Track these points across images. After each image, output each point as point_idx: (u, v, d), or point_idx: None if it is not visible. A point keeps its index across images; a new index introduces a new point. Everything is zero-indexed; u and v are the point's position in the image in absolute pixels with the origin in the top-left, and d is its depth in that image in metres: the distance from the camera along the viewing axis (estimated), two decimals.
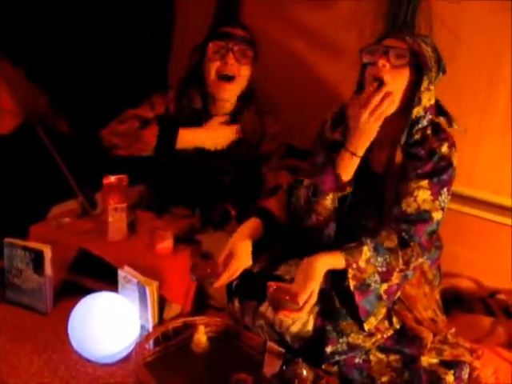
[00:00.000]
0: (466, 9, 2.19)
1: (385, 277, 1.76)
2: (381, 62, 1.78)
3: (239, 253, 1.87)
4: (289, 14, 2.50)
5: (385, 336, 1.82)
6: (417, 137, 1.85)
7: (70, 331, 1.88)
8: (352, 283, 1.74)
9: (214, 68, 2.21)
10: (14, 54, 2.22)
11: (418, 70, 1.80)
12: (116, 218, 2.08)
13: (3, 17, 2.32)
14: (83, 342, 1.86)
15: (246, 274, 1.92)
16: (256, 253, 1.90)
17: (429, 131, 1.85)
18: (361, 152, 1.85)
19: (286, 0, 2.49)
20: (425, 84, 1.79)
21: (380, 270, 1.75)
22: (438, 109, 1.90)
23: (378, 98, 1.78)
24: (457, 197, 2.26)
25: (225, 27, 2.24)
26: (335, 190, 1.87)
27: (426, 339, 1.81)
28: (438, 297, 1.96)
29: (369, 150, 1.87)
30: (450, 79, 2.10)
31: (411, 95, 1.82)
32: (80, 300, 1.92)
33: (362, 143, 1.84)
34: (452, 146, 1.84)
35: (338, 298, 1.83)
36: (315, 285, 1.71)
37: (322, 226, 1.89)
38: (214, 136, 2.26)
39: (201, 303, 2.14)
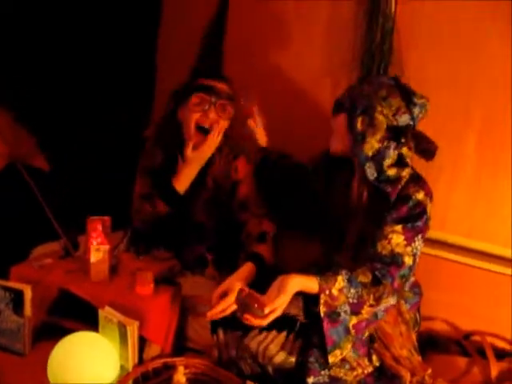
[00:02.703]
0: (435, 61, 2.32)
1: (355, 309, 1.81)
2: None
3: (234, 290, 1.89)
4: (268, 61, 2.62)
5: (365, 372, 1.86)
6: (390, 173, 1.92)
7: (49, 371, 1.86)
8: (323, 309, 1.78)
9: (193, 119, 2.23)
10: (3, 99, 2.27)
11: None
12: (98, 259, 2.09)
13: None
14: (63, 382, 1.84)
15: None
16: None
17: (404, 173, 1.92)
18: None
19: (266, 50, 2.62)
20: (358, 124, 1.88)
21: (351, 301, 1.80)
22: (417, 141, 1.98)
23: None
24: (429, 241, 2.33)
25: (209, 80, 2.25)
26: None
27: (404, 378, 1.84)
28: (414, 338, 1.99)
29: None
30: (424, 130, 2.22)
31: None
32: (59, 340, 1.91)
33: None
34: (428, 194, 1.92)
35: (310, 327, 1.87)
36: (284, 299, 1.76)
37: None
38: (201, 156, 2.24)
39: (180, 345, 2.14)
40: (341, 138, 1.97)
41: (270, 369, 1.86)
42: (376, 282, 1.83)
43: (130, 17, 2.79)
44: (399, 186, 1.91)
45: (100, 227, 2.11)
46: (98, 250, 2.10)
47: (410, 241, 1.87)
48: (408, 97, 1.91)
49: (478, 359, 2.14)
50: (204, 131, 2.23)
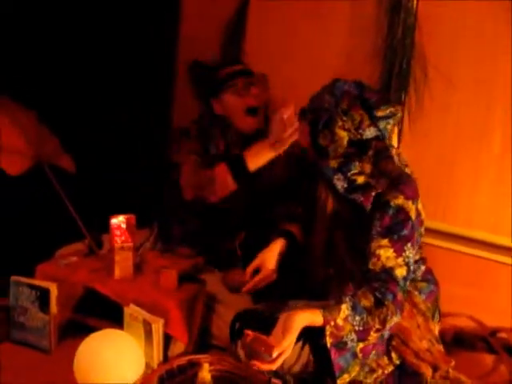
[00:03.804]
0: (458, 56, 2.31)
1: (361, 336, 1.76)
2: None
3: (267, 265, 2.02)
4: (289, 59, 2.62)
5: (385, 372, 1.84)
6: (360, 181, 1.84)
7: (75, 368, 1.88)
8: (329, 340, 1.73)
9: (244, 102, 2.29)
10: (26, 99, 2.30)
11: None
12: (122, 257, 2.11)
13: (16, 64, 2.43)
14: (89, 380, 1.85)
15: (249, 314, 1.96)
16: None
17: (374, 180, 1.84)
18: None
19: (287, 48, 2.63)
20: (320, 140, 1.82)
21: (357, 328, 1.74)
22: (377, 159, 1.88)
23: None
24: (455, 237, 2.34)
25: (234, 66, 2.34)
26: None
27: (425, 374, 1.82)
28: (434, 328, 1.95)
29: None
30: (446, 124, 2.21)
31: None
32: (85, 338, 1.92)
33: None
34: (409, 198, 1.83)
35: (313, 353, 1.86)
36: (291, 339, 1.70)
37: None
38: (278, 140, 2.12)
39: (204, 342, 2.15)
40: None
41: (289, 378, 1.86)
42: (378, 303, 1.77)
43: (149, 19, 2.82)
44: (372, 193, 1.84)
45: (124, 225, 2.13)
46: (122, 249, 2.11)
47: (399, 252, 1.80)
48: (369, 111, 1.83)
49: (505, 357, 2.12)
50: (253, 112, 2.29)
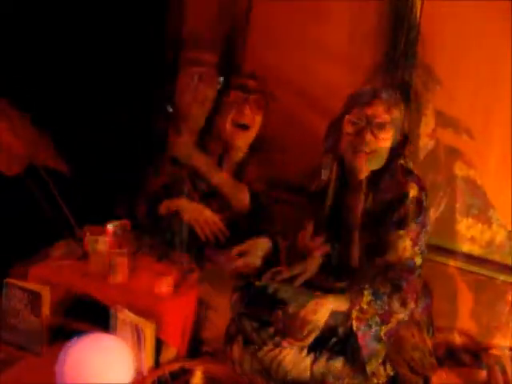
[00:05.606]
0: (460, 69, 2.31)
1: (385, 319, 1.84)
2: (367, 137, 1.93)
3: (254, 250, 2.09)
4: (288, 69, 2.59)
5: (380, 382, 1.87)
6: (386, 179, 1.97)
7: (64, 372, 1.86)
8: (355, 324, 1.82)
9: (229, 117, 2.28)
10: (21, 103, 2.30)
11: None
12: (117, 262, 2.10)
13: (12, 70, 2.42)
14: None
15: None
16: None
17: (398, 174, 1.96)
18: None
19: (286, 57, 2.60)
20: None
21: (379, 312, 1.84)
22: None
23: None
24: (449, 252, 2.34)
25: (239, 79, 2.33)
26: None
27: None
28: (428, 341, 2.00)
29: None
30: (445, 137, 2.21)
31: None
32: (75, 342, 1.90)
33: None
34: (422, 189, 1.95)
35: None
36: (321, 320, 1.82)
37: None
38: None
39: (195, 348, 2.13)
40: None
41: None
42: (396, 289, 1.86)
43: (149, 18, 2.81)
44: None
45: (119, 231, 2.12)
46: (116, 254, 2.11)
47: (416, 240, 1.91)
48: None
49: (497, 373, 2.13)
50: (242, 127, 2.29)
